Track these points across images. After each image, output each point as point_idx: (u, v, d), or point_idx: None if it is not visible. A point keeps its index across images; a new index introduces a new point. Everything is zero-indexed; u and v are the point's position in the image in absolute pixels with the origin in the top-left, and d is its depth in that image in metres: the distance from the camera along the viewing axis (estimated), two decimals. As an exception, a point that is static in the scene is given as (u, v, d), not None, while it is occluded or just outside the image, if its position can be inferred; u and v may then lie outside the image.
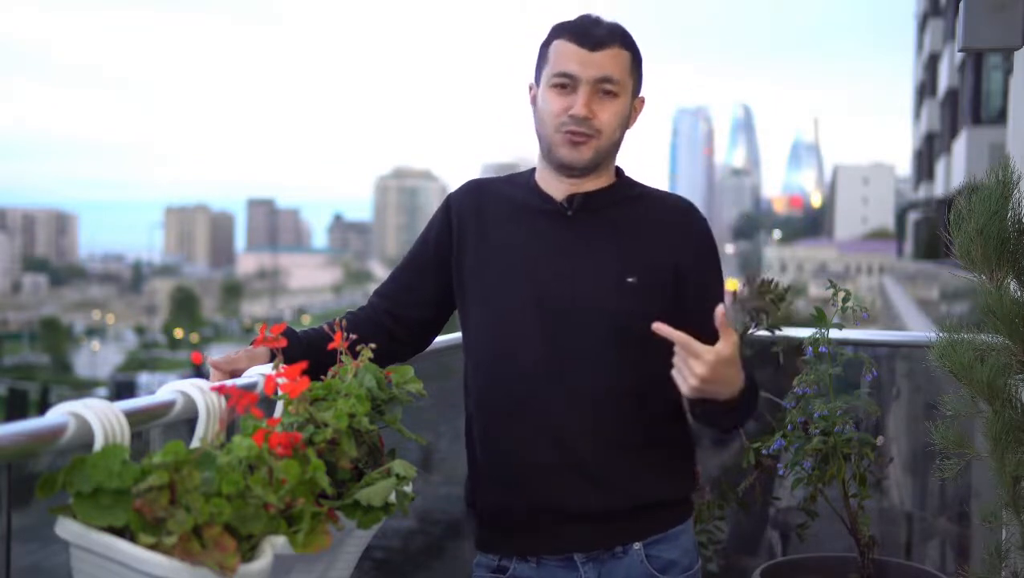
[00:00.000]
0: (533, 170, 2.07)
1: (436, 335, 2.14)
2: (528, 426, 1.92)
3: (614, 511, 1.93)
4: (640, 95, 2.01)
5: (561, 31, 1.94)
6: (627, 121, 1.98)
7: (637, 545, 1.94)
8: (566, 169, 1.95)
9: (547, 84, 1.93)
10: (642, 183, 2.07)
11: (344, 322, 1.69)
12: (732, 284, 2.86)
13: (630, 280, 1.92)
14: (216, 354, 1.86)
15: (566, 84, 1.90)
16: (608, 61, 1.90)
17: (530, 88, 2.02)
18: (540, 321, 1.93)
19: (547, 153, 1.97)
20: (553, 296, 1.93)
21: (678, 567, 1.97)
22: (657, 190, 2.07)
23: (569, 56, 1.91)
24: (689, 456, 2.06)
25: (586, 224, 1.97)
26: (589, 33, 1.91)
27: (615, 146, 1.98)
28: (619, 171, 2.05)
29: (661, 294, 1.93)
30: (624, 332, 1.91)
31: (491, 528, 2.02)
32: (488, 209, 2.03)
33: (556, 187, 1.99)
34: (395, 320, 2.05)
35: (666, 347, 1.81)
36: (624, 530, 1.94)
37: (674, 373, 1.70)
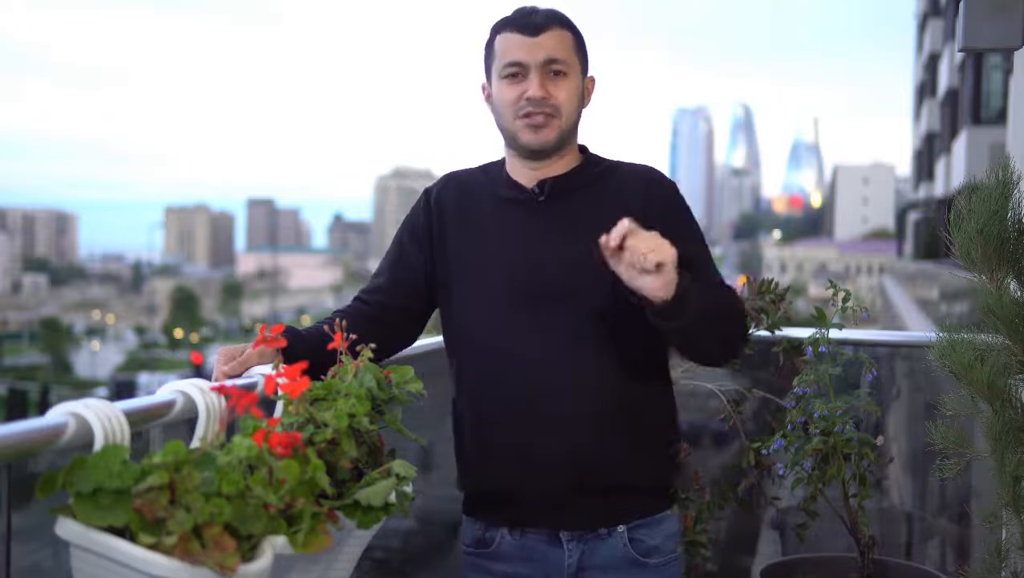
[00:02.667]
0: (503, 160, 2.10)
1: (423, 327, 2.17)
2: (519, 413, 1.96)
3: (601, 492, 1.97)
4: (590, 75, 2.06)
5: (502, 26, 2.02)
6: (581, 100, 2.03)
7: (621, 528, 1.99)
8: (533, 154, 2.00)
9: (499, 77, 2.00)
10: (607, 157, 2.10)
11: (344, 322, 1.69)
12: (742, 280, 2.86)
13: None
14: (216, 354, 1.86)
15: (516, 72, 1.97)
16: (551, 42, 1.97)
17: (483, 88, 2.08)
18: (523, 309, 1.97)
19: (512, 143, 2.03)
20: (533, 283, 1.97)
21: (660, 552, 2.02)
22: (623, 162, 2.10)
23: (514, 45, 1.98)
24: (673, 439, 2.10)
25: (558, 208, 2.01)
26: (528, 21, 1.98)
27: (575, 125, 2.03)
28: (583, 148, 2.09)
29: None
30: (607, 312, 1.94)
31: (480, 499, 2.07)
32: (466, 201, 2.08)
33: (525, 174, 2.04)
34: (387, 313, 2.07)
35: (647, 324, 1.91)
36: (610, 512, 1.99)
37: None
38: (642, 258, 1.71)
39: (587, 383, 1.95)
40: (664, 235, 1.93)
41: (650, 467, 2.03)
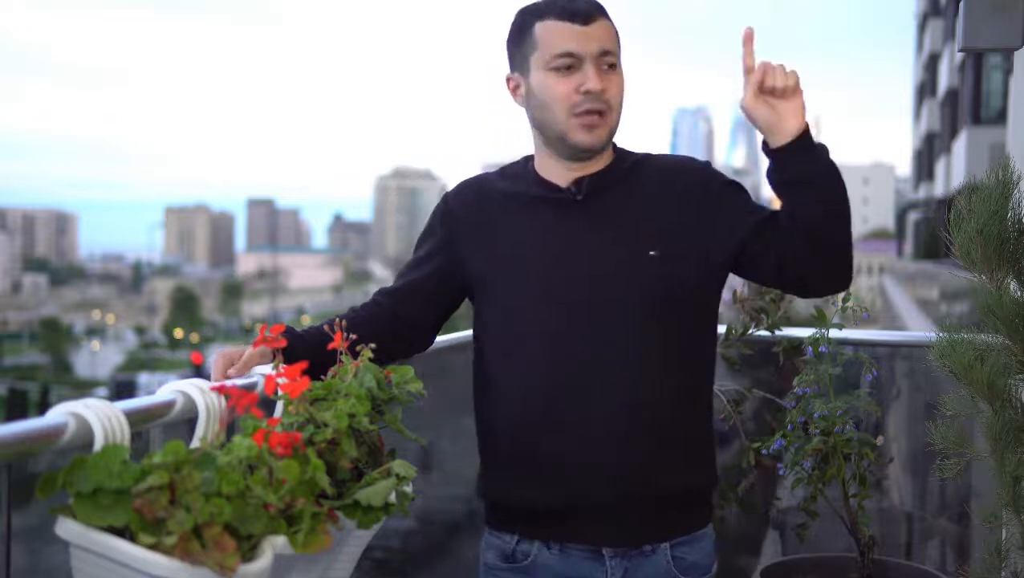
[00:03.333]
0: (527, 159, 2.01)
1: (437, 334, 2.12)
2: (562, 420, 1.88)
3: (652, 506, 1.90)
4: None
5: (542, 13, 1.88)
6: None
7: (665, 544, 1.92)
8: (582, 153, 1.91)
9: (544, 69, 1.87)
10: (635, 151, 2.02)
11: (344, 322, 1.68)
12: None
13: (652, 253, 1.88)
14: (216, 354, 1.85)
15: (570, 64, 1.85)
16: (603, 33, 1.87)
17: (509, 80, 1.95)
18: (567, 310, 1.89)
19: (557, 141, 1.91)
20: (576, 284, 1.89)
21: (699, 569, 1.96)
22: (653, 155, 2.02)
23: (565, 35, 1.85)
24: (713, 446, 2.03)
25: (597, 206, 1.92)
26: (575, 9, 1.86)
27: (620, 121, 1.94)
28: (613, 145, 2.01)
29: (686, 261, 1.90)
30: (656, 308, 1.88)
31: (515, 510, 1.97)
32: (489, 206, 1.99)
33: (560, 173, 1.94)
34: (400, 320, 2.01)
35: (695, 321, 1.94)
36: (658, 528, 1.92)
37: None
38: (783, 72, 1.77)
39: (638, 386, 1.88)
40: (724, 211, 1.93)
41: (699, 477, 1.98)
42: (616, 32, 1.92)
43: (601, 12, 1.89)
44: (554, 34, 1.86)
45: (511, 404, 1.94)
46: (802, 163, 1.80)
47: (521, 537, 1.95)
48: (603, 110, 1.87)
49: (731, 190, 1.97)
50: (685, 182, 1.95)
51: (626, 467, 1.88)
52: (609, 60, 1.87)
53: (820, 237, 1.85)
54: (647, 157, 2.01)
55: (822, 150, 1.82)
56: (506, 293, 1.96)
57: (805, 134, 1.79)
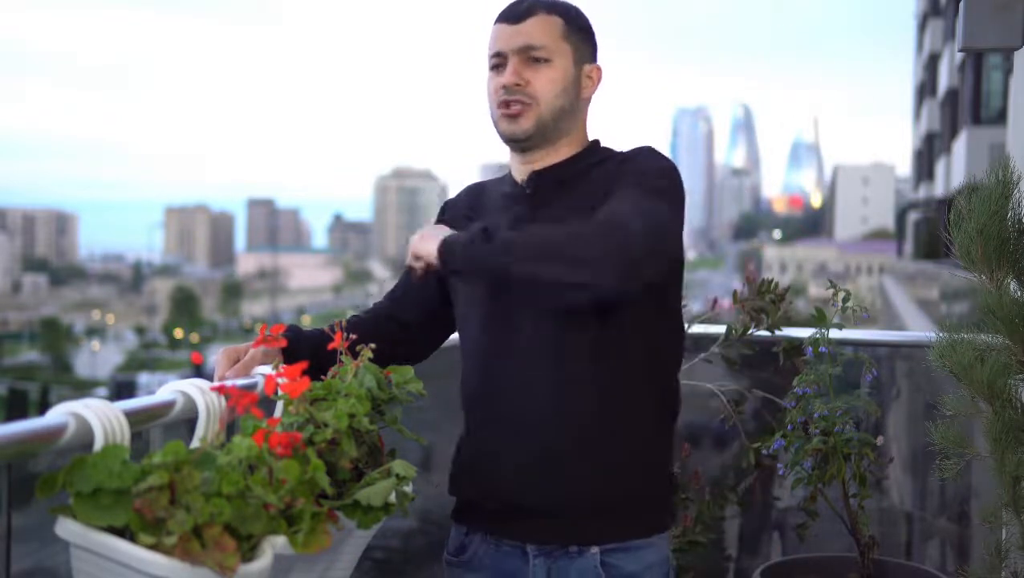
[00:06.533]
0: None
1: (441, 338, 2.14)
2: (493, 417, 1.92)
3: (573, 507, 1.86)
4: (595, 64, 1.97)
5: (495, 19, 1.97)
6: (572, 88, 1.92)
7: (594, 549, 1.86)
8: (512, 143, 1.95)
9: (488, 70, 1.96)
10: (614, 149, 1.98)
11: (344, 322, 1.68)
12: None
13: None
14: (216, 354, 1.85)
15: (499, 63, 1.92)
16: (531, 28, 1.90)
17: None
18: (505, 309, 1.89)
19: (498, 134, 1.97)
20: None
21: None
22: (619, 151, 1.98)
23: (497, 35, 1.93)
24: (664, 452, 1.97)
25: (547, 201, 1.92)
26: (513, 10, 1.93)
27: (560, 114, 1.91)
28: (593, 142, 2.00)
29: None
30: (592, 312, 1.84)
31: (461, 503, 2.03)
32: (476, 205, 2.04)
33: (518, 168, 1.99)
34: (398, 324, 2.05)
35: (630, 322, 1.87)
36: (581, 530, 1.87)
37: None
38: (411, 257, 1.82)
39: (565, 388, 1.86)
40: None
41: (637, 483, 1.90)
42: (563, 27, 1.92)
43: (543, 8, 1.91)
44: (492, 37, 1.95)
45: (462, 398, 2.01)
46: (455, 268, 1.80)
47: (469, 530, 2.00)
48: (523, 101, 1.89)
49: (629, 169, 1.88)
50: (620, 168, 1.90)
51: (549, 466, 1.86)
52: (534, 54, 1.89)
53: None
54: (618, 153, 1.97)
55: (456, 253, 1.77)
56: (460, 290, 2.01)
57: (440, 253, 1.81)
